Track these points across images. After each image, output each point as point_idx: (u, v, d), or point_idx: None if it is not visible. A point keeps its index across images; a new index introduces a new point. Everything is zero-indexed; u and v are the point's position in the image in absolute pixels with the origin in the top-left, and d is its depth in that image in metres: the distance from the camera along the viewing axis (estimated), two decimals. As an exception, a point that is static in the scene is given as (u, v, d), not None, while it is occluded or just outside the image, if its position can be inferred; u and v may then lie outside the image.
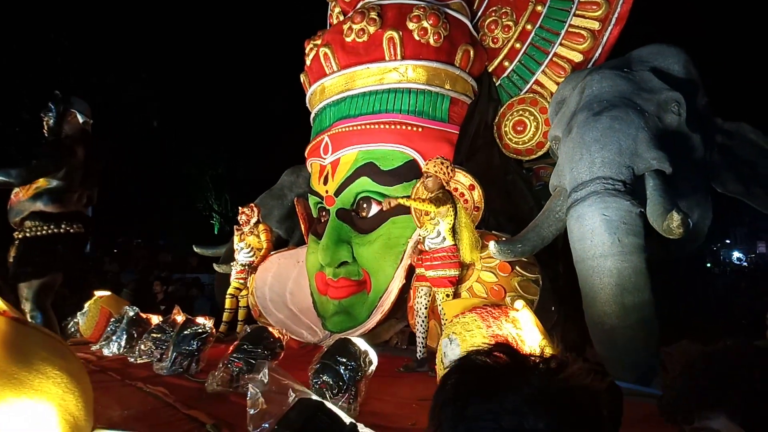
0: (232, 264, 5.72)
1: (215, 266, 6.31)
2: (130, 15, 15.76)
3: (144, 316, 4.60)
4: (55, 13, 14.40)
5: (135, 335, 4.35)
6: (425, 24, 4.58)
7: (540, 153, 4.75)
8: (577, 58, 4.64)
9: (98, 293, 5.75)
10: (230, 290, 5.56)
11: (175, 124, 18.15)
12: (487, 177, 4.62)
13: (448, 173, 3.77)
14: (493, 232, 4.07)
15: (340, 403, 2.43)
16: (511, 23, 4.94)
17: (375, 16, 4.67)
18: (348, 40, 4.79)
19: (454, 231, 3.65)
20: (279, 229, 6.50)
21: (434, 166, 3.70)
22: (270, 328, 3.16)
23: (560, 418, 0.63)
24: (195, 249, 7.30)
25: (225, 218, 19.46)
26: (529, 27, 4.86)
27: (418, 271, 3.74)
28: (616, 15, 4.51)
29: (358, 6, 5.09)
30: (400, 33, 4.58)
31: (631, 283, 2.97)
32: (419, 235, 3.69)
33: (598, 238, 3.07)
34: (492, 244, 3.39)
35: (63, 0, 14.29)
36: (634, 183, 3.21)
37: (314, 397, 1.37)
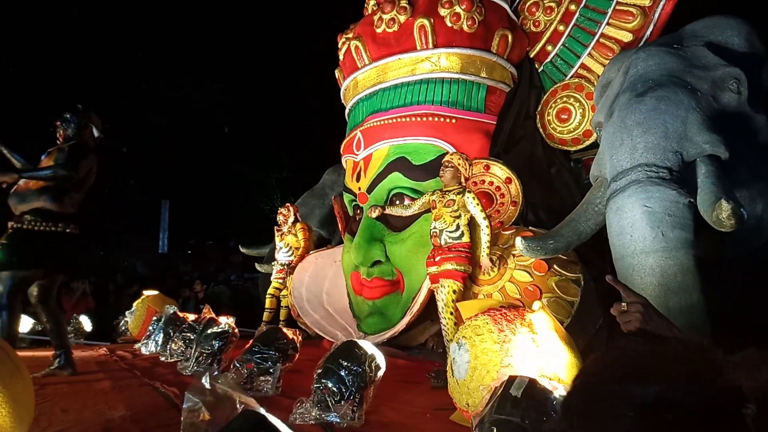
0: (273, 264, 5.72)
1: (257, 266, 6.35)
2: (202, 28, 16.43)
3: (181, 315, 4.65)
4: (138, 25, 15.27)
5: (171, 334, 4.40)
6: (458, 9, 4.35)
7: (588, 142, 4.39)
8: (627, 37, 4.26)
9: (146, 293, 5.93)
10: (270, 290, 5.56)
11: (242, 129, 18.81)
12: (529, 170, 4.35)
13: (469, 170, 3.61)
14: (529, 228, 3.78)
15: (343, 411, 2.28)
16: (553, 4, 4.61)
17: (405, 4, 4.50)
18: (378, 31, 4.64)
19: (469, 225, 3.42)
20: (321, 229, 6.45)
21: (458, 159, 3.52)
22: (284, 329, 3.05)
23: (696, 412, 0.60)
24: (241, 249, 7.39)
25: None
26: (573, 7, 4.52)
27: (429, 270, 3.51)
28: (669, -12, 4.09)
29: (391, -4, 4.93)
30: (432, 20, 4.38)
31: (676, 282, 2.61)
32: (435, 228, 3.47)
33: (639, 232, 2.73)
34: (519, 240, 3.11)
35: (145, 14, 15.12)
36: (682, 170, 2.84)
37: (261, 410, 1.22)
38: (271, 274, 5.74)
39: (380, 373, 2.43)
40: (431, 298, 3.98)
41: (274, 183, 20.89)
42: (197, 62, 17.25)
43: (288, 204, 5.67)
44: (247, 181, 19.94)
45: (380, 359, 2.43)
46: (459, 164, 3.50)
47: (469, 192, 3.42)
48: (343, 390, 2.29)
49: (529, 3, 4.74)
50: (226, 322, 3.49)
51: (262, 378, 2.80)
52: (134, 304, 5.76)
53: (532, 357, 2.04)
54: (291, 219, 5.51)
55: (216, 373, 3.31)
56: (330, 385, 2.30)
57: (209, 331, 3.43)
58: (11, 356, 1.34)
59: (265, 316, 5.51)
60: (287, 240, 5.52)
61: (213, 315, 3.81)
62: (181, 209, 20.97)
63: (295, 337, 3.02)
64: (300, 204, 6.55)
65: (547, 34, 4.64)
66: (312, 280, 5.26)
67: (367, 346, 2.44)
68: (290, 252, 5.54)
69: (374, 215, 4.03)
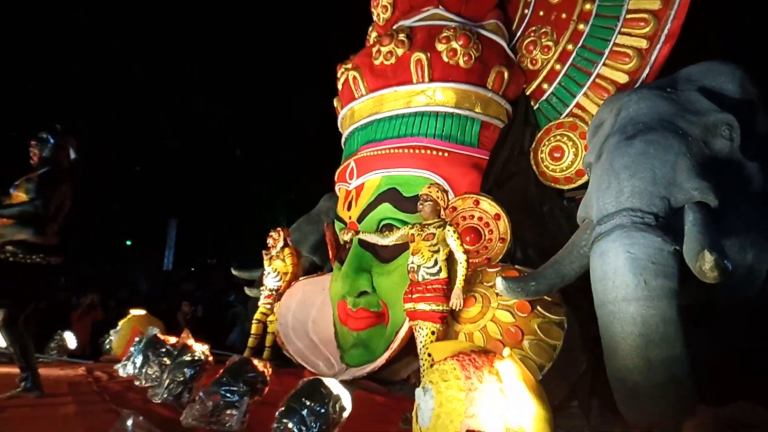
0: (261, 288, 5.65)
1: (246, 290, 6.28)
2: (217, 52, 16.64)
3: (162, 338, 4.56)
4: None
5: (149, 357, 4.31)
6: (455, 45, 4.37)
7: (580, 182, 4.34)
8: (622, 78, 4.25)
9: (133, 312, 5.86)
10: (257, 315, 5.47)
11: (252, 151, 18.90)
12: (520, 206, 4.30)
13: (446, 201, 3.59)
14: (515, 267, 3.70)
15: (303, 453, 2.19)
16: (551, 43, 4.62)
17: (404, 38, 4.52)
18: (376, 63, 4.66)
19: (448, 261, 3.35)
20: (313, 255, 6.39)
21: (436, 191, 3.49)
22: (254, 361, 2.97)
23: None
24: (233, 271, 7.32)
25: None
26: (570, 47, 4.53)
27: (406, 306, 3.43)
28: (665, 32, 4.09)
29: (391, 29, 4.98)
30: (428, 54, 4.40)
31: (658, 333, 2.53)
32: (413, 263, 3.40)
33: (621, 279, 2.66)
34: (499, 281, 3.04)
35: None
36: (669, 216, 2.78)
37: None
38: (259, 299, 5.67)
39: (345, 415, 2.34)
40: (413, 333, 3.90)
41: (281, 204, 20.92)
42: (210, 83, 17.44)
43: (279, 228, 5.62)
44: (255, 203, 19.98)
45: (346, 400, 2.35)
46: (438, 197, 3.47)
47: (450, 225, 3.37)
48: (305, 431, 2.20)
49: (526, 41, 4.76)
50: (200, 349, 3.41)
51: (227, 412, 2.71)
52: (120, 323, 5.69)
53: (498, 408, 1.95)
54: (280, 243, 5.45)
55: (186, 401, 3.24)
56: (291, 425, 2.22)
57: (182, 359, 3.36)
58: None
59: (250, 341, 5.42)
60: (275, 265, 5.46)
61: (191, 340, 3.73)
62: (189, 229, 21.03)
63: (265, 370, 2.93)
64: (294, 229, 6.50)
65: (544, 73, 4.64)
66: (299, 307, 5.17)
67: (333, 385, 2.36)
68: (278, 277, 5.46)
69: (347, 237, 4.02)
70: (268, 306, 5.42)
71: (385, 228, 4.40)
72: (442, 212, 3.53)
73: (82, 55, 14.51)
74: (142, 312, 5.87)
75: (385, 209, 4.36)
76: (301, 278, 5.48)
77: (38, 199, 3.45)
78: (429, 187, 3.57)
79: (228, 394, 2.72)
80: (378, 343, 4.26)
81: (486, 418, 1.93)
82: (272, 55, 16.84)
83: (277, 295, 5.36)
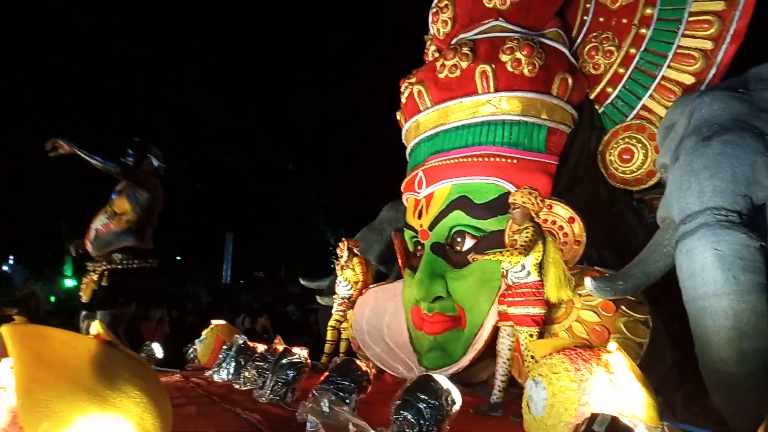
0: (333, 297, 5.91)
1: (318, 298, 6.55)
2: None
3: (251, 344, 4.87)
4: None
5: (242, 363, 4.61)
6: (519, 55, 4.52)
7: (651, 182, 4.42)
8: (688, 80, 4.32)
9: (214, 322, 6.21)
10: (331, 322, 5.73)
11: (298, 164, 19.40)
12: (591, 209, 4.39)
13: (538, 204, 3.57)
14: (595, 267, 3.82)
15: (421, 443, 2.39)
16: (613, 48, 4.72)
17: (467, 51, 4.71)
18: (441, 76, 4.85)
19: (540, 266, 3.47)
20: (379, 264, 6.61)
21: (521, 197, 3.55)
22: (357, 362, 3.20)
23: None
24: (301, 281, 7.64)
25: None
26: (633, 51, 4.63)
27: (500, 308, 3.59)
28: (731, 32, 4.14)
29: (452, 42, 5.18)
30: (493, 66, 4.56)
31: (750, 326, 2.63)
32: (503, 268, 3.55)
33: (710, 275, 2.76)
34: (588, 281, 3.18)
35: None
36: (752, 214, 2.88)
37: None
38: (330, 307, 5.93)
39: (456, 408, 2.53)
40: (494, 336, 4.05)
41: (323, 214, 21.33)
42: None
43: (344, 239, 5.87)
44: (300, 214, 20.45)
45: (456, 394, 2.54)
46: (524, 202, 3.54)
47: (527, 230, 3.43)
48: (422, 422, 2.40)
49: (588, 47, 4.87)
50: (299, 353, 3.67)
51: (338, 408, 2.94)
52: (203, 333, 6.03)
53: (610, 396, 2.10)
54: (345, 253, 5.68)
55: (291, 400, 3.50)
56: (409, 417, 2.42)
57: (284, 361, 3.62)
58: (156, 377, 1.53)
59: (327, 348, 5.67)
60: (345, 274, 5.70)
61: (285, 346, 4.00)
62: (242, 241, 21.70)
63: (368, 370, 3.16)
64: (359, 239, 6.73)
65: (607, 77, 4.74)
66: (373, 313, 5.40)
67: (443, 380, 2.56)
68: (349, 286, 5.71)
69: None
70: (341, 313, 5.68)
71: (457, 235, 4.58)
72: (534, 215, 3.60)
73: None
74: (222, 322, 6.20)
75: (457, 216, 4.53)
76: (371, 286, 5.71)
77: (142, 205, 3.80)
78: (515, 194, 3.62)
79: (338, 391, 2.95)
80: (455, 346, 4.42)
81: (599, 405, 2.09)
82: (316, 73, 17.11)
83: (350, 302, 5.60)
